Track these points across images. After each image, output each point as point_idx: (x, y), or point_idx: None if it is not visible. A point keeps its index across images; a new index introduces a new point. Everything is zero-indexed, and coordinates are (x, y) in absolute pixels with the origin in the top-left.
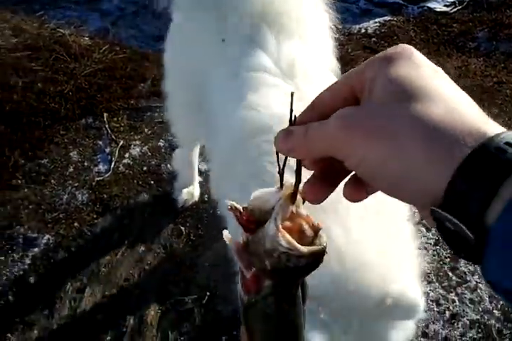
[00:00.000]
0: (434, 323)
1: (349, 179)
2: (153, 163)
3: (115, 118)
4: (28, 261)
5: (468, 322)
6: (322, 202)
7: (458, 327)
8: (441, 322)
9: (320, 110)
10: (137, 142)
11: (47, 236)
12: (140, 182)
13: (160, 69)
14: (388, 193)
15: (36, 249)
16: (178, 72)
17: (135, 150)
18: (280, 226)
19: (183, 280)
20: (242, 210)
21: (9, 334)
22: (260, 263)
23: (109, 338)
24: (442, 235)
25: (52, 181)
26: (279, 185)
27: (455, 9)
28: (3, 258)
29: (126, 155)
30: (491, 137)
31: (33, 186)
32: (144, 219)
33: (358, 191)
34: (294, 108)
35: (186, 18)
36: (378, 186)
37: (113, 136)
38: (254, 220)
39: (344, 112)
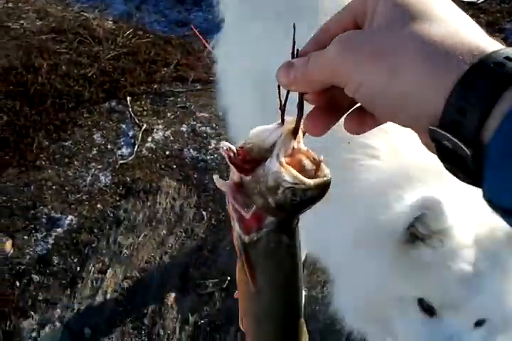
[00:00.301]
0: None
1: (350, 112)
2: (175, 147)
3: (138, 102)
4: (51, 241)
5: None
6: (323, 135)
7: None
8: None
9: (323, 41)
10: (160, 126)
11: (70, 217)
12: (162, 166)
13: (183, 54)
14: (388, 118)
15: (59, 230)
16: (237, 69)
17: (158, 135)
18: (284, 161)
19: (204, 264)
20: (236, 151)
21: (32, 313)
22: (262, 201)
23: (129, 319)
24: (441, 156)
25: (76, 163)
26: (279, 121)
27: (482, 0)
28: (26, 237)
29: (149, 139)
30: (490, 53)
31: (56, 167)
32: (166, 203)
33: (359, 124)
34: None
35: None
36: (378, 111)
37: (136, 120)
38: (250, 159)
39: (343, 36)
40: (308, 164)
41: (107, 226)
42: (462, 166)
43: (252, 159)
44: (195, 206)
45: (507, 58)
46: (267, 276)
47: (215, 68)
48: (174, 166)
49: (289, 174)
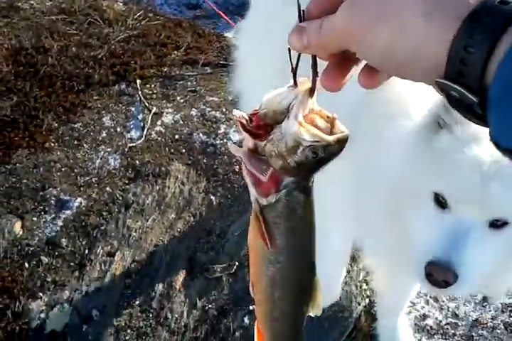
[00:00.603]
0: (465, 305)
1: (363, 69)
2: (185, 131)
3: (148, 85)
4: (60, 223)
5: (500, 305)
6: (339, 90)
7: (489, 310)
8: (473, 304)
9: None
10: (169, 110)
11: (79, 199)
12: (172, 150)
13: (193, 37)
14: (398, 75)
15: (68, 212)
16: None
17: (167, 118)
18: (303, 121)
19: (212, 248)
20: (249, 117)
21: (40, 294)
22: (281, 163)
23: (137, 302)
24: (452, 105)
25: (85, 145)
26: (290, 84)
27: None
28: (35, 219)
29: (159, 122)
30: None
31: (65, 149)
32: (175, 187)
33: (372, 79)
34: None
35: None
36: (388, 69)
37: (146, 103)
38: (263, 125)
39: (349, 1)
40: (322, 123)
41: (116, 209)
42: (473, 113)
43: (265, 124)
44: (203, 191)
45: (501, 2)
46: (285, 236)
47: (236, 53)
48: (183, 150)
49: (308, 132)
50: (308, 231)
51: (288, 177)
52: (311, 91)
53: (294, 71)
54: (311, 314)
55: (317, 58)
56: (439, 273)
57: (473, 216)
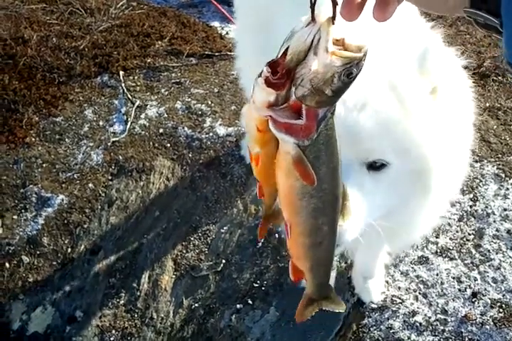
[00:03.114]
0: (454, 301)
1: (376, 3)
2: (169, 125)
3: (131, 77)
4: (41, 221)
5: (489, 301)
6: (356, 19)
7: (478, 306)
8: (462, 300)
9: None
10: (154, 103)
11: (61, 197)
12: (156, 145)
13: (178, 27)
14: (430, 8)
15: (50, 209)
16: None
17: (151, 111)
18: (335, 49)
19: (198, 246)
20: (271, 70)
21: (22, 295)
22: (318, 97)
23: (122, 302)
24: (481, 29)
25: (67, 140)
26: (304, 21)
27: None
28: (16, 217)
29: (142, 115)
30: None
31: (47, 144)
32: (160, 183)
33: (384, 10)
34: None
35: None
36: (422, 4)
37: (129, 96)
38: (286, 71)
39: None
40: (336, 47)
41: (99, 207)
42: (501, 34)
43: (287, 71)
44: (189, 186)
45: None
46: (326, 165)
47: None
48: (168, 145)
49: (341, 55)
50: (337, 148)
51: (323, 109)
52: (333, 19)
53: (312, 7)
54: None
55: None
56: None
57: (349, 157)
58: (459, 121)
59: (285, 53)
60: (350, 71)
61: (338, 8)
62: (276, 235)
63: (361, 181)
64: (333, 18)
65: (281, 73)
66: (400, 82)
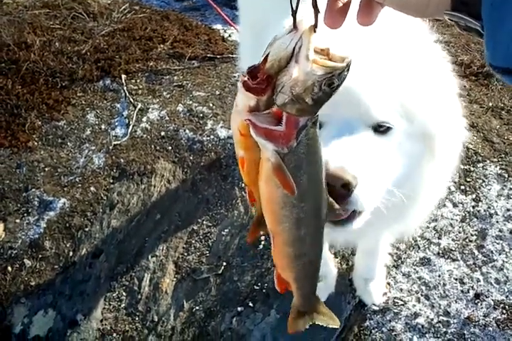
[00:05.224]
0: (456, 302)
1: (360, 6)
2: (171, 128)
3: (133, 81)
4: (43, 224)
5: (492, 302)
6: (340, 27)
7: (481, 307)
8: (465, 301)
9: None
10: (155, 106)
11: (63, 200)
12: (157, 148)
13: (180, 30)
14: (415, 14)
15: (52, 213)
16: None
17: (153, 115)
18: (316, 58)
19: (199, 249)
20: (248, 77)
21: (24, 299)
22: (299, 105)
23: (123, 305)
24: (463, 32)
25: (69, 144)
26: (286, 29)
27: None
28: (18, 221)
29: (144, 119)
30: None
31: (49, 148)
32: (161, 186)
33: (368, 15)
34: None
35: None
36: (406, 10)
37: (131, 99)
38: (266, 78)
39: None
40: (320, 56)
41: (100, 210)
42: (482, 36)
43: (267, 77)
44: (190, 189)
45: None
46: (307, 175)
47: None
48: (169, 147)
49: (324, 64)
50: (320, 158)
51: (304, 117)
52: (315, 28)
53: (294, 14)
54: None
55: None
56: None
57: (354, 117)
58: (450, 91)
59: (266, 59)
60: (331, 81)
61: (321, 16)
62: None
63: (367, 142)
64: (315, 26)
65: (261, 78)
66: (408, 47)
